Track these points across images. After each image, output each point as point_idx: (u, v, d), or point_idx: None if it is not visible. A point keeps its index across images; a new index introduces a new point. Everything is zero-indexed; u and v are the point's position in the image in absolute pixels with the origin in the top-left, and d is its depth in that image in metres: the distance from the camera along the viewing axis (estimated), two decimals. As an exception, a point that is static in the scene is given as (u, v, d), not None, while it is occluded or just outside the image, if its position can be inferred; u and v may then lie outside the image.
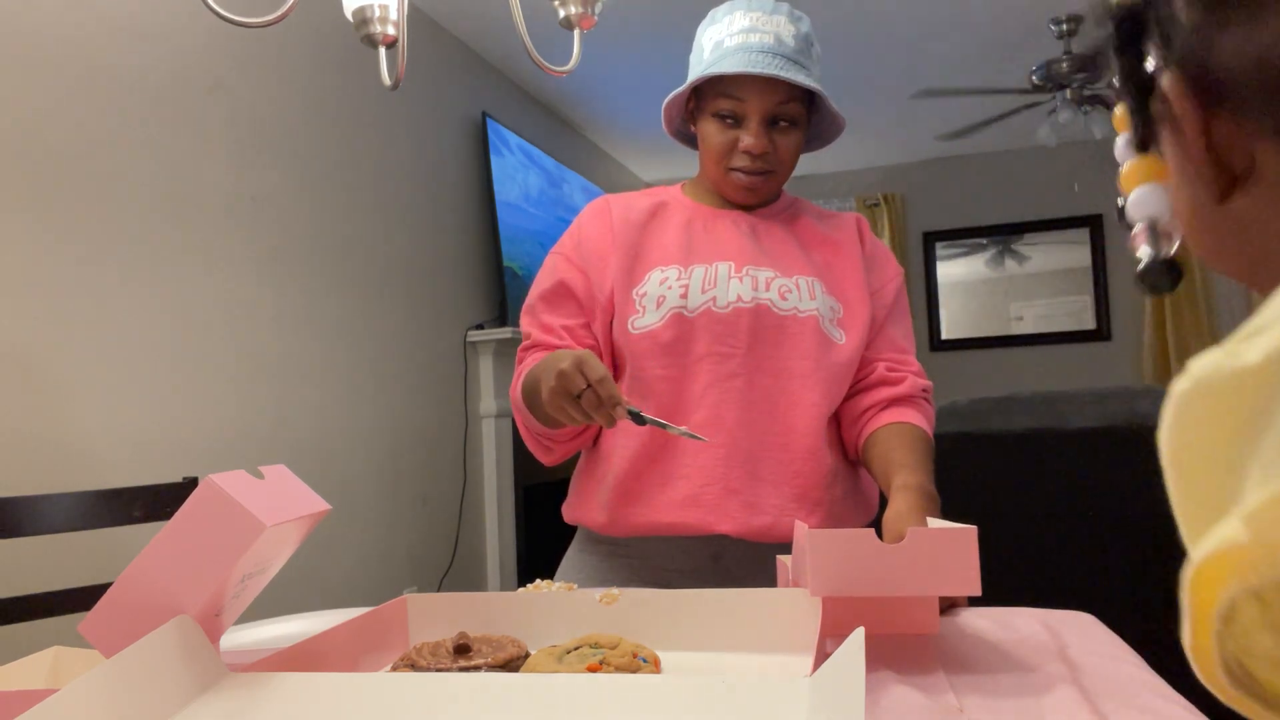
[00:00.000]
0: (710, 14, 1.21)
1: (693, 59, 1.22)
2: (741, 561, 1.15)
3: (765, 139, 1.16)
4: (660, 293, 1.16)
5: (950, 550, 0.75)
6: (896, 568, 0.74)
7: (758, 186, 1.20)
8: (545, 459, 1.23)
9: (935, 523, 0.88)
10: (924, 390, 1.21)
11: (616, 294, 1.19)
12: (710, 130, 1.18)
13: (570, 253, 1.26)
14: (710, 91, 1.17)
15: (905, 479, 1.02)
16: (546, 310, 1.24)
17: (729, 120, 1.16)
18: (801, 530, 0.82)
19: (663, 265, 1.19)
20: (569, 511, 1.26)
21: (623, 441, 1.17)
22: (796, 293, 1.18)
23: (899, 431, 1.13)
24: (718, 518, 1.12)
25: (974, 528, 0.75)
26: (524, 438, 1.23)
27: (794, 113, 1.17)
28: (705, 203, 1.26)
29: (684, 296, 1.15)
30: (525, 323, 1.25)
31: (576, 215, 1.31)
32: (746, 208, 1.26)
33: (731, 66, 1.12)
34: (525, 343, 1.23)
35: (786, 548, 1.16)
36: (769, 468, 1.14)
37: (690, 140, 1.29)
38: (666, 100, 1.22)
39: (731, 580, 1.14)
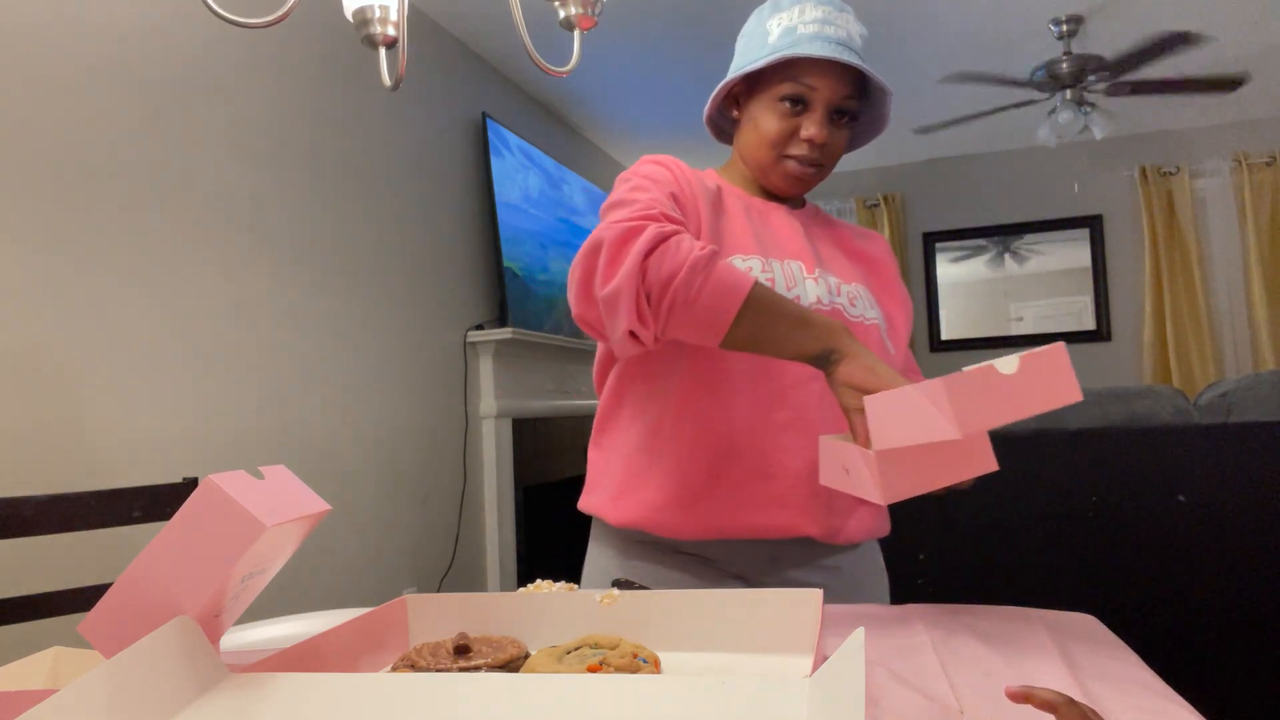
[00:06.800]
0: (772, 0, 1.19)
1: (749, 44, 1.18)
2: (797, 563, 1.13)
3: (827, 130, 1.14)
4: None
5: (1054, 366, 0.80)
6: (1021, 391, 0.79)
7: (809, 178, 1.17)
8: (634, 325, 0.94)
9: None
10: None
11: None
12: (768, 115, 1.15)
13: (669, 187, 1.10)
14: (775, 76, 1.13)
15: None
16: (666, 211, 1.03)
17: (794, 106, 1.13)
18: (916, 389, 0.81)
19: (744, 254, 1.12)
20: (619, 513, 1.14)
21: (692, 435, 1.10)
22: (861, 301, 1.17)
23: None
24: (806, 519, 1.09)
25: (1062, 344, 0.82)
26: (634, 290, 0.93)
27: (854, 109, 1.15)
28: (749, 192, 1.23)
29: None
30: (651, 201, 1.03)
31: (640, 163, 1.16)
32: (784, 203, 1.23)
33: (817, 50, 1.09)
34: (674, 217, 1.02)
35: (840, 553, 1.16)
36: None
37: (716, 129, 1.27)
38: (725, 80, 1.18)
39: (785, 582, 1.11)
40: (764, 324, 0.94)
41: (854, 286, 1.18)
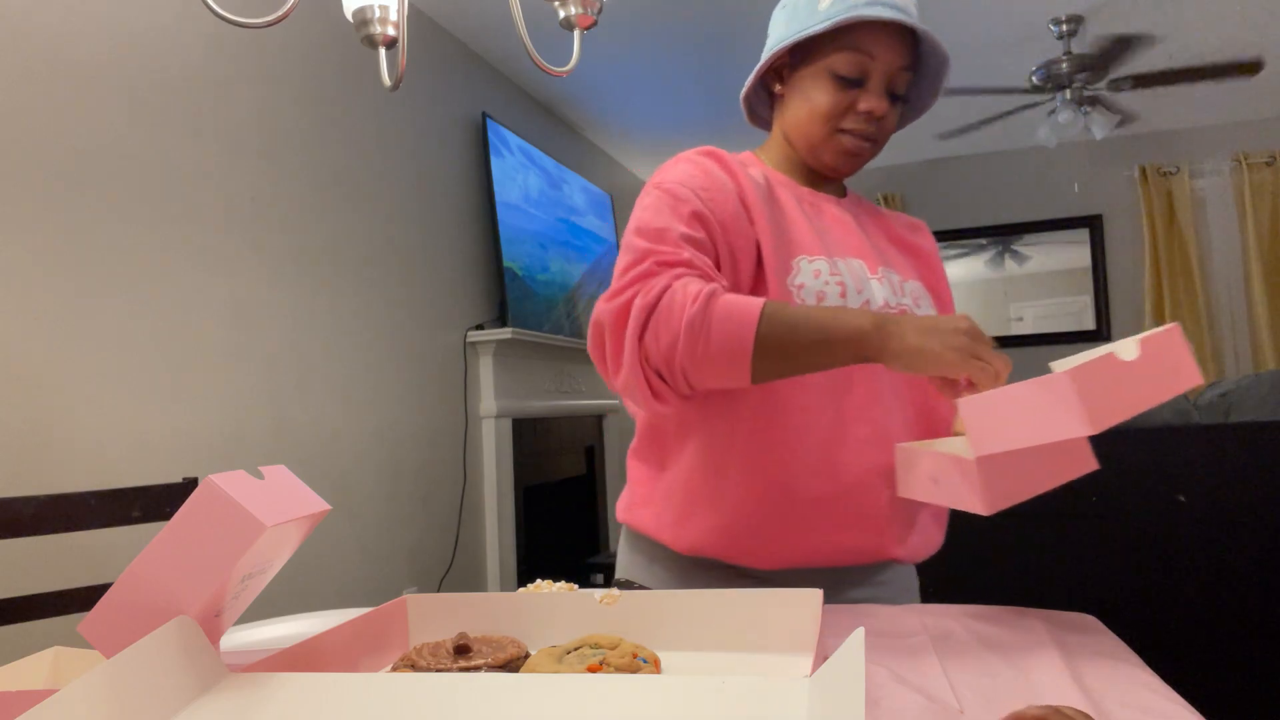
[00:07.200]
0: None
1: (795, 14, 1.08)
2: (858, 583, 1.07)
3: (886, 101, 1.06)
4: (818, 288, 1.01)
5: (1172, 348, 0.74)
6: (1143, 378, 0.73)
7: (864, 153, 1.09)
8: (651, 405, 0.96)
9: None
10: None
11: (771, 279, 1.01)
12: (821, 87, 1.06)
13: (703, 194, 1.02)
14: (830, 45, 1.05)
15: None
16: (689, 242, 0.98)
17: (849, 77, 1.05)
18: (1029, 386, 0.75)
19: (809, 254, 1.04)
20: (684, 537, 1.05)
21: (772, 456, 1.01)
22: (924, 300, 1.11)
23: None
24: (890, 540, 1.03)
25: (1177, 325, 0.75)
26: (639, 371, 0.93)
27: (908, 83, 1.08)
28: (795, 179, 1.14)
29: (843, 296, 1.01)
30: (648, 239, 0.98)
31: (677, 160, 1.08)
32: (829, 191, 1.16)
33: (878, 13, 1.01)
34: (673, 258, 0.96)
35: (894, 568, 1.11)
36: None
37: (750, 110, 1.20)
38: (770, 52, 1.09)
39: (846, 601, 1.06)
40: (784, 356, 0.90)
41: (913, 283, 1.12)
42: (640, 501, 1.12)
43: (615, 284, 0.97)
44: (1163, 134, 5.45)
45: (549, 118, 4.69)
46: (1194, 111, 5.13)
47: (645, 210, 1.03)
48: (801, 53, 1.09)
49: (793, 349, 0.90)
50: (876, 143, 1.09)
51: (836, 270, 1.03)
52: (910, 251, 1.19)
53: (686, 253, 0.97)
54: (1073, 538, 2.17)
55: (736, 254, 1.02)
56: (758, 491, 1.01)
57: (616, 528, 4.93)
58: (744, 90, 1.16)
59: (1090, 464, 0.82)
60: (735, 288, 1.01)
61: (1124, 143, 5.48)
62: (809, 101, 1.08)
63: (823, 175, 1.15)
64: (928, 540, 1.10)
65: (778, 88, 1.13)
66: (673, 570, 1.10)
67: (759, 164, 1.14)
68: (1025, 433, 0.74)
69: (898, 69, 1.06)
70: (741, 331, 0.88)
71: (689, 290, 0.91)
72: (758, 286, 1.02)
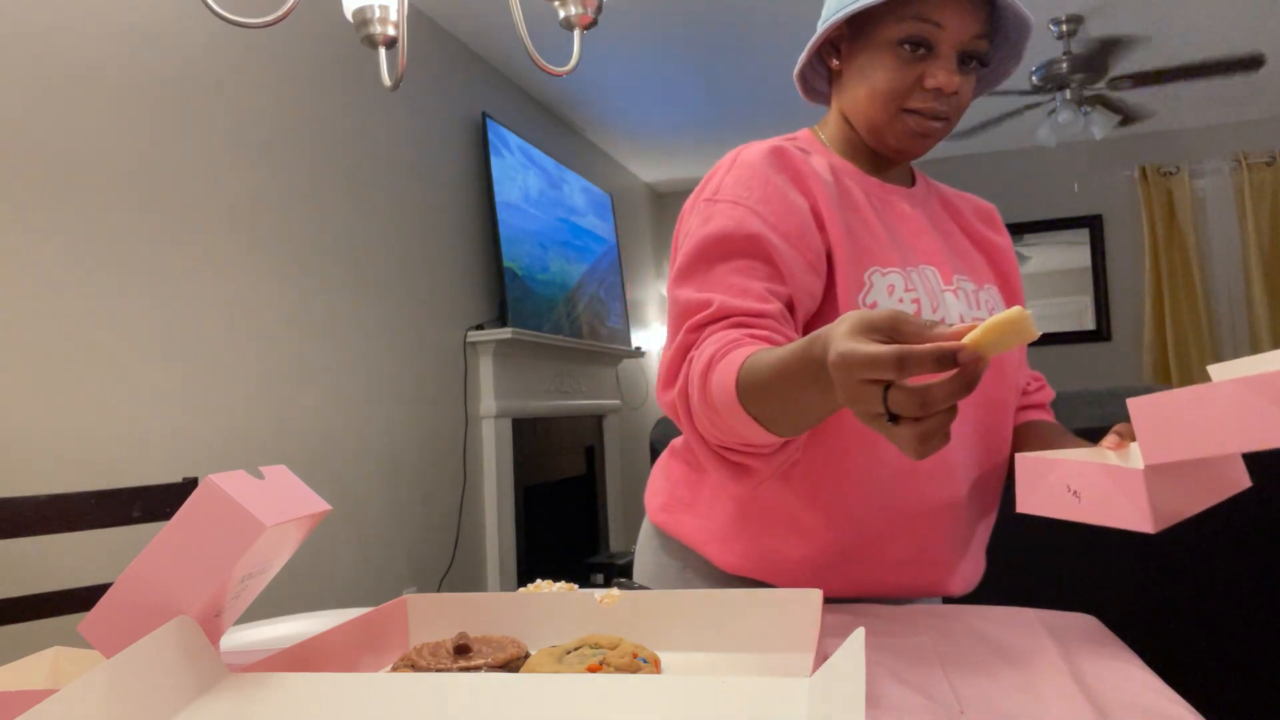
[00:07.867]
0: None
1: None
2: (902, 604, 1.03)
3: (957, 74, 0.95)
4: (891, 306, 0.90)
5: None
6: None
7: (933, 134, 0.98)
8: (741, 483, 0.90)
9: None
10: (1051, 400, 1.15)
11: (842, 296, 0.92)
12: (882, 63, 0.96)
13: (760, 208, 0.92)
14: (890, 15, 0.94)
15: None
16: (735, 273, 0.89)
17: (915, 49, 0.94)
18: (1239, 385, 0.64)
19: (883, 266, 0.94)
20: (733, 559, 0.99)
21: (842, 488, 0.95)
22: (999, 309, 1.02)
23: (1051, 425, 1.06)
24: (949, 576, 0.99)
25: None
26: (710, 456, 0.88)
27: (984, 52, 0.96)
28: (860, 167, 1.04)
29: (917, 317, 0.93)
30: (689, 288, 0.91)
31: (735, 159, 0.98)
32: (896, 180, 1.07)
33: None
34: (701, 315, 0.88)
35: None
36: (981, 508, 1.01)
37: (805, 85, 1.10)
38: (826, 24, 0.98)
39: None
40: (781, 419, 0.77)
41: (989, 289, 1.04)
42: (682, 506, 1.06)
43: (662, 364, 0.91)
44: (1163, 134, 5.45)
45: (549, 118, 4.70)
46: (1194, 111, 5.13)
47: (690, 242, 0.94)
48: (860, 24, 0.98)
49: (783, 411, 0.76)
50: (948, 120, 0.98)
51: (911, 285, 0.95)
52: (984, 248, 1.10)
53: (716, 301, 0.87)
54: (1072, 538, 2.17)
55: (805, 268, 0.92)
56: (818, 524, 0.95)
57: (617, 528, 4.93)
58: (798, 67, 1.06)
59: (1244, 481, 0.77)
60: (811, 298, 0.93)
61: (1124, 143, 5.48)
62: (868, 80, 0.98)
63: (888, 159, 1.05)
64: (977, 569, 1.06)
65: (835, 63, 1.03)
66: (709, 581, 1.04)
67: (820, 148, 1.05)
68: (1223, 439, 0.64)
69: (970, 37, 0.94)
70: (732, 406, 0.79)
71: (698, 367, 0.84)
72: (828, 300, 0.94)
